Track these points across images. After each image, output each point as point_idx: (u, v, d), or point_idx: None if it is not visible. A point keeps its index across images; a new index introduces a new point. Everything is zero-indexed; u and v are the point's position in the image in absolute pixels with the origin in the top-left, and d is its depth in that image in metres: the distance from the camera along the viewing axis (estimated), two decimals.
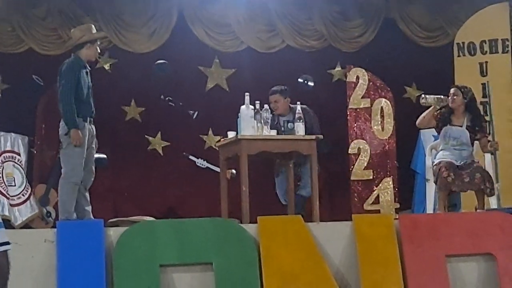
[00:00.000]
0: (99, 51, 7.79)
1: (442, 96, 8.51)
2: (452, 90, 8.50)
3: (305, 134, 8.05)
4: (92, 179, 7.62)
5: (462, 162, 8.26)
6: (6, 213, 9.65)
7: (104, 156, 9.47)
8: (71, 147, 7.32)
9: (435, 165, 8.37)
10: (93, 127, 7.61)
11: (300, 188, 8.82)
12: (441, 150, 8.42)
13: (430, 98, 8.51)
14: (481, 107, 9.53)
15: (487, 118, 9.31)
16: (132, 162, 10.95)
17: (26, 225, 9.85)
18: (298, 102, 8.08)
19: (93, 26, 7.85)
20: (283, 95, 8.94)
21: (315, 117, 8.96)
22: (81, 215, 7.39)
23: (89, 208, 7.53)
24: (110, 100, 10.64)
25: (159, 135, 11.11)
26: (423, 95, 8.57)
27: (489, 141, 8.61)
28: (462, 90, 8.49)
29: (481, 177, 8.08)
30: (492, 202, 8.62)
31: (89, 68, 7.67)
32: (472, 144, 8.44)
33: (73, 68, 7.40)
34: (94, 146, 7.64)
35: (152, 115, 11.06)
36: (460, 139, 8.35)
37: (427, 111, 8.54)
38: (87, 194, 7.57)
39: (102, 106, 9.40)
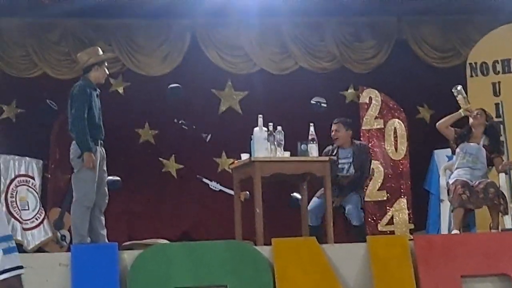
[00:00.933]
0: (107, 72, 7.79)
1: (469, 102, 8.63)
2: (476, 110, 8.63)
3: (354, 171, 8.23)
4: (107, 201, 7.62)
5: (476, 182, 8.25)
6: (19, 237, 9.70)
7: (118, 178, 9.51)
8: (83, 171, 7.32)
9: (451, 184, 8.36)
10: (103, 149, 7.62)
11: (350, 219, 8.79)
12: (457, 169, 8.41)
13: (462, 92, 8.67)
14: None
15: (502, 138, 9.30)
16: (146, 184, 10.97)
17: (40, 249, 9.87)
18: (311, 124, 8.08)
19: (99, 48, 7.89)
20: (345, 126, 8.98)
21: (369, 156, 9.10)
22: (95, 239, 7.38)
23: (104, 231, 7.51)
24: (124, 123, 10.68)
25: (172, 157, 11.12)
26: (458, 87, 8.64)
27: (502, 160, 8.60)
28: (487, 113, 8.68)
29: (495, 192, 8.10)
30: (507, 222, 8.58)
31: (99, 91, 7.68)
32: (488, 165, 8.44)
33: (85, 91, 7.42)
34: (105, 168, 7.65)
35: (165, 138, 11.08)
36: (475, 156, 8.36)
37: (451, 115, 8.65)
38: (103, 218, 7.56)
39: (116, 129, 9.47)
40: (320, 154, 8.14)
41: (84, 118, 7.33)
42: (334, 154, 8.87)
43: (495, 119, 9.50)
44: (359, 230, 8.72)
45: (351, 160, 8.83)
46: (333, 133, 8.92)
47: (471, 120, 8.54)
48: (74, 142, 7.41)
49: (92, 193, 7.34)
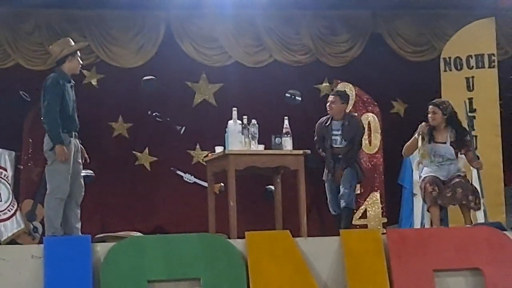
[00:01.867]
0: (81, 62, 7.70)
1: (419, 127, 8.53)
2: (430, 108, 8.49)
3: (346, 143, 8.40)
4: (83, 193, 7.57)
5: (448, 177, 8.27)
6: None
7: (91, 172, 9.46)
8: (56, 163, 7.25)
9: (421, 181, 8.39)
10: (78, 141, 7.55)
11: (339, 199, 8.80)
12: (426, 166, 8.41)
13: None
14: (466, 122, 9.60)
15: (474, 133, 9.36)
16: (119, 178, 10.93)
17: (12, 241, 9.82)
18: (286, 117, 8.08)
19: (70, 39, 7.77)
20: (342, 99, 8.97)
21: (360, 129, 9.08)
22: (69, 232, 7.33)
23: (78, 225, 7.46)
24: (98, 116, 10.65)
25: (146, 150, 11.09)
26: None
27: (478, 156, 8.59)
28: (441, 106, 8.48)
29: (462, 192, 8.10)
30: (479, 217, 8.64)
31: (73, 82, 7.60)
32: (457, 157, 8.44)
33: (58, 83, 7.33)
34: (80, 160, 7.58)
35: (139, 130, 11.05)
36: (445, 156, 8.36)
37: (410, 140, 8.56)
38: (78, 211, 7.51)
39: (89, 122, 9.42)
40: (314, 125, 8.20)
41: (56, 110, 7.25)
42: (327, 125, 8.87)
43: (469, 114, 9.55)
44: (346, 212, 8.69)
45: (340, 132, 8.84)
46: (328, 104, 8.91)
47: (430, 122, 8.46)
48: (46, 134, 7.34)
49: (66, 185, 7.28)
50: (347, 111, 9.28)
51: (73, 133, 7.44)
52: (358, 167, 8.85)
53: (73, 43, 7.66)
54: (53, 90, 7.30)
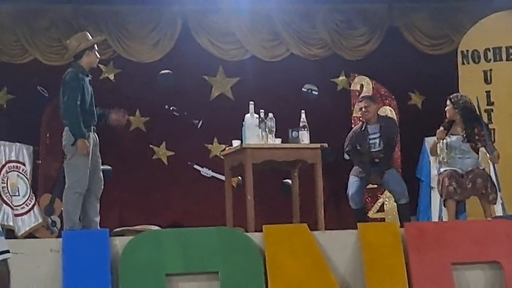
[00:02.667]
0: (98, 56, 7.71)
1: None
2: (448, 103, 8.59)
3: (384, 145, 8.60)
4: (102, 187, 7.60)
5: (466, 170, 8.27)
6: (10, 223, 9.71)
7: (109, 167, 9.48)
8: (76, 158, 7.28)
9: (439, 175, 8.39)
10: (96, 135, 7.60)
11: (397, 198, 8.93)
12: (445, 161, 8.41)
13: None
14: (485, 115, 9.56)
15: (492, 126, 9.32)
16: (137, 172, 10.95)
17: (31, 235, 9.86)
18: (303, 111, 8.08)
19: (87, 33, 7.78)
20: (373, 101, 9.04)
21: (397, 129, 9.21)
22: (88, 226, 7.37)
23: (97, 219, 7.49)
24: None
25: (163, 144, 11.10)
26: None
27: (494, 150, 8.55)
28: (453, 100, 8.55)
29: (482, 182, 8.15)
30: (498, 210, 8.61)
31: (91, 76, 7.63)
32: (477, 152, 8.44)
33: (77, 77, 7.35)
34: (99, 154, 7.62)
35: (156, 124, 11.06)
36: (460, 148, 8.37)
37: (431, 143, 8.69)
38: (97, 205, 7.54)
39: None
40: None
41: (77, 105, 7.27)
42: (363, 130, 8.89)
43: (486, 107, 9.51)
44: (405, 207, 8.79)
45: (379, 135, 8.86)
46: (363, 110, 8.92)
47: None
48: (66, 128, 7.35)
49: (85, 179, 7.31)
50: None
51: (92, 127, 7.48)
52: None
53: (90, 37, 7.65)
54: (72, 84, 7.32)
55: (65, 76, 7.42)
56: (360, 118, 9.19)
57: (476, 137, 8.45)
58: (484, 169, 8.40)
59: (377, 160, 8.82)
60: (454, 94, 8.73)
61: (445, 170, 8.29)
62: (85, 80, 7.44)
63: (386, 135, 8.83)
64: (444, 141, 8.43)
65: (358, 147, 8.90)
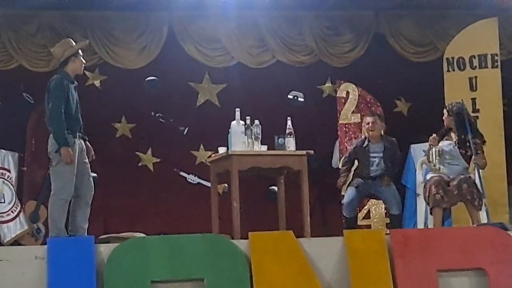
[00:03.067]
0: (84, 62, 7.69)
1: None
2: (445, 109, 8.70)
3: (385, 165, 8.72)
4: (92, 192, 7.57)
5: (453, 176, 8.30)
6: None
7: (95, 174, 9.45)
8: (61, 164, 7.25)
9: (426, 182, 8.41)
10: (83, 141, 7.57)
11: (390, 208, 9.03)
12: (435, 164, 8.44)
13: None
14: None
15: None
16: (122, 179, 10.92)
17: (16, 242, 9.83)
18: (289, 118, 8.08)
19: (71, 39, 7.74)
20: (380, 118, 9.12)
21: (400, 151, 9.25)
22: (75, 232, 7.34)
23: (85, 226, 7.45)
24: (101, 117, 10.64)
25: (149, 151, 11.09)
26: None
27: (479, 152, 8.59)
28: (447, 108, 8.65)
29: (468, 188, 8.19)
30: (483, 217, 8.63)
31: (77, 83, 7.60)
32: (467, 160, 8.47)
33: (62, 84, 7.33)
34: (87, 160, 7.59)
35: (142, 131, 11.04)
36: (451, 154, 8.40)
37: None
38: (88, 210, 7.51)
39: (92, 122, 9.39)
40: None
41: (61, 112, 7.25)
42: (364, 146, 8.92)
43: (472, 114, 9.54)
44: (397, 218, 8.86)
45: (382, 154, 8.92)
46: (369, 125, 9.00)
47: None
48: (51, 135, 7.32)
49: (70, 186, 7.28)
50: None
51: (77, 133, 7.45)
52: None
53: (74, 44, 7.63)
54: (57, 91, 7.30)
55: (49, 83, 7.40)
56: (364, 133, 9.23)
57: (467, 144, 8.46)
58: (470, 176, 8.42)
59: (374, 176, 8.87)
60: (449, 102, 8.81)
61: (432, 177, 8.31)
62: (70, 87, 7.42)
63: (390, 156, 8.91)
64: (436, 147, 8.46)
65: (357, 162, 8.98)
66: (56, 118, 7.23)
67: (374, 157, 8.94)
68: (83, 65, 7.68)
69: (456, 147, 8.47)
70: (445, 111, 8.67)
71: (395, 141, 9.17)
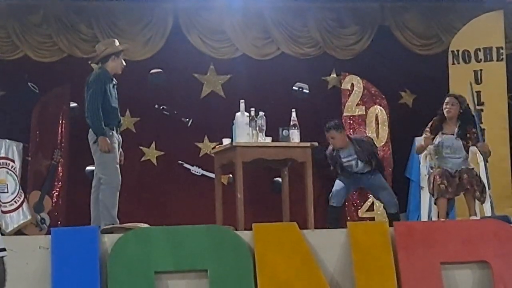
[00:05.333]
0: (124, 63, 8.02)
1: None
2: (448, 99, 8.50)
3: (364, 163, 8.61)
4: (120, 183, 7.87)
5: (456, 169, 8.28)
6: None
7: None
8: (104, 155, 7.58)
9: (429, 173, 8.40)
10: (120, 136, 7.91)
11: (387, 207, 9.02)
12: (436, 158, 8.41)
13: None
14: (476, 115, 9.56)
15: (482, 126, 9.33)
16: (126, 173, 10.86)
17: (19, 232, 9.84)
18: (293, 110, 8.08)
19: (116, 40, 8.14)
20: (337, 130, 8.89)
21: (373, 147, 9.15)
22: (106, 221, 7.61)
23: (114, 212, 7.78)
24: None
25: (153, 145, 11.04)
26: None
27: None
28: (459, 99, 8.49)
29: (468, 178, 8.14)
30: (487, 210, 8.63)
31: (116, 81, 7.92)
32: (467, 151, 8.45)
33: (100, 79, 7.68)
34: (120, 153, 7.94)
35: (146, 124, 11.01)
36: (453, 147, 8.36)
37: (422, 138, 8.52)
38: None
39: None
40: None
41: (98, 104, 7.58)
42: (334, 155, 8.93)
43: (477, 107, 9.52)
44: (395, 218, 8.77)
45: (355, 157, 8.86)
46: (330, 141, 8.90)
47: (445, 114, 8.46)
48: (90, 129, 7.67)
49: (118, 173, 7.69)
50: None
51: (115, 128, 7.79)
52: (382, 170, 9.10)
53: (118, 44, 8.02)
54: (95, 85, 7.65)
55: (89, 77, 7.79)
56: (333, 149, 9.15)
57: (468, 135, 8.41)
58: (473, 168, 8.40)
59: (361, 172, 8.88)
60: (459, 94, 8.67)
61: (437, 169, 8.30)
62: (108, 83, 7.74)
63: (364, 156, 8.84)
64: (435, 141, 8.42)
65: (332, 167, 8.97)
66: (92, 110, 7.58)
67: (349, 161, 8.88)
68: (123, 65, 8.01)
69: (457, 139, 8.42)
70: (456, 102, 8.46)
71: (367, 141, 9.07)
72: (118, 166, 7.70)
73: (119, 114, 7.91)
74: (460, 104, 8.46)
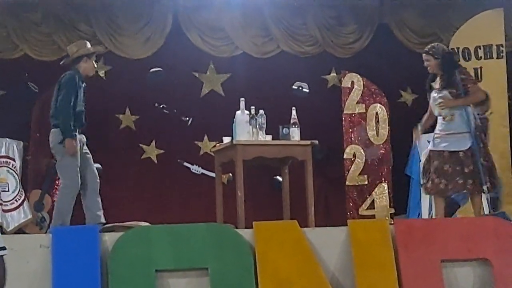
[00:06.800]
0: (95, 66, 8.02)
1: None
2: (423, 57, 8.01)
3: None
4: (98, 180, 7.81)
5: (459, 150, 7.81)
6: None
7: (99, 166, 9.44)
8: (65, 158, 7.50)
9: (426, 158, 8.03)
10: (83, 136, 7.80)
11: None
12: (436, 131, 7.98)
13: None
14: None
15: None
16: (125, 171, 10.91)
17: (20, 230, 9.85)
18: (294, 108, 8.08)
19: (88, 42, 8.08)
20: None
21: None
22: (94, 221, 7.56)
23: (100, 212, 7.75)
24: (105, 108, 10.65)
25: (153, 143, 11.05)
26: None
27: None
28: (431, 51, 7.95)
29: (473, 183, 7.77)
30: (484, 206, 8.60)
31: (85, 85, 7.84)
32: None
33: (74, 79, 7.61)
34: (87, 150, 7.81)
35: (146, 123, 11.02)
36: (441, 99, 7.89)
37: (425, 120, 8.21)
38: (98, 198, 7.79)
39: (96, 114, 9.43)
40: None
41: (70, 106, 7.51)
42: None
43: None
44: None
45: None
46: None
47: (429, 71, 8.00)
48: (53, 130, 7.59)
49: (77, 178, 7.52)
50: None
51: (78, 130, 7.67)
52: None
53: (90, 46, 7.97)
54: (68, 86, 7.58)
55: (61, 78, 7.68)
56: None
57: (456, 83, 7.81)
58: (472, 152, 7.82)
59: None
60: (430, 45, 8.10)
61: (432, 165, 7.88)
62: (81, 85, 7.68)
63: None
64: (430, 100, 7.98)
65: None
66: (65, 110, 7.50)
67: None
68: (94, 68, 8.00)
69: (443, 90, 7.86)
70: (428, 56, 7.94)
71: None
72: (78, 169, 7.57)
73: (83, 118, 7.77)
74: (434, 55, 7.92)
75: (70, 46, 8.05)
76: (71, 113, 7.50)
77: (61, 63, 8.20)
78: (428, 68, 8.02)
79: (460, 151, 7.81)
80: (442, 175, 7.88)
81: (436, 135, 7.96)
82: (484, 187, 7.80)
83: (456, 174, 7.84)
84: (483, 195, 7.98)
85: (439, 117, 7.99)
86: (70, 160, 7.49)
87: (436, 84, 7.99)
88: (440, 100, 7.88)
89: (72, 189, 7.51)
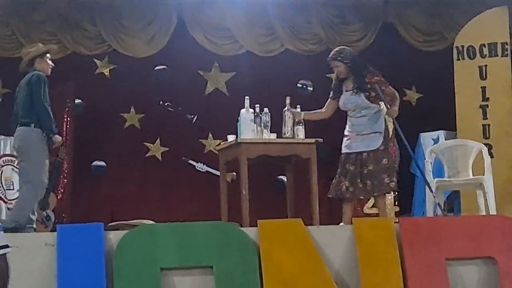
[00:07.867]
0: (51, 64, 8.05)
1: None
2: (331, 64, 7.95)
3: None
4: None
5: (367, 150, 7.88)
6: (3, 217, 9.68)
7: (103, 163, 9.47)
8: (44, 156, 7.72)
9: (341, 160, 7.99)
10: None
11: None
12: (347, 127, 8.03)
13: None
14: (480, 110, 9.55)
15: (487, 121, 9.30)
16: (130, 169, 10.92)
17: None
18: (298, 106, 8.07)
19: (40, 44, 8.27)
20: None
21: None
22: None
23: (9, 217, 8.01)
24: (110, 107, 10.65)
25: (158, 141, 11.07)
26: None
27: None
28: (340, 57, 7.87)
29: (372, 185, 7.74)
30: (481, 209, 8.59)
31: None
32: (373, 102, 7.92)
33: (44, 77, 7.75)
34: None
35: (151, 121, 11.04)
36: (356, 103, 7.90)
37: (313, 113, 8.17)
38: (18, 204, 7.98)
39: (101, 112, 9.44)
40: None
41: (48, 102, 7.70)
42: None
43: (482, 103, 9.50)
44: None
45: None
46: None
47: (339, 77, 7.94)
48: (21, 128, 7.73)
49: (46, 178, 7.81)
50: None
51: None
52: None
53: (42, 46, 8.11)
54: (40, 85, 7.72)
55: (31, 77, 7.79)
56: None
57: (368, 86, 7.84)
58: (381, 148, 7.94)
59: None
60: (335, 50, 8.00)
61: (342, 170, 7.89)
62: (47, 85, 7.83)
63: None
64: (340, 101, 7.95)
65: None
66: (46, 109, 7.66)
67: None
68: (50, 66, 8.05)
69: (356, 94, 7.86)
70: (337, 62, 7.85)
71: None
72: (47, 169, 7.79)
73: None
74: (342, 61, 7.85)
75: (23, 50, 8.23)
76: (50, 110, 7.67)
77: (20, 70, 8.21)
78: (339, 74, 7.95)
79: (365, 151, 7.85)
80: (347, 178, 7.84)
81: (346, 137, 8.01)
82: (391, 185, 7.76)
83: (356, 175, 7.81)
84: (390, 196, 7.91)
85: (349, 118, 8.01)
86: (45, 160, 7.72)
87: (349, 87, 7.93)
88: (355, 104, 7.88)
89: (40, 188, 7.80)
